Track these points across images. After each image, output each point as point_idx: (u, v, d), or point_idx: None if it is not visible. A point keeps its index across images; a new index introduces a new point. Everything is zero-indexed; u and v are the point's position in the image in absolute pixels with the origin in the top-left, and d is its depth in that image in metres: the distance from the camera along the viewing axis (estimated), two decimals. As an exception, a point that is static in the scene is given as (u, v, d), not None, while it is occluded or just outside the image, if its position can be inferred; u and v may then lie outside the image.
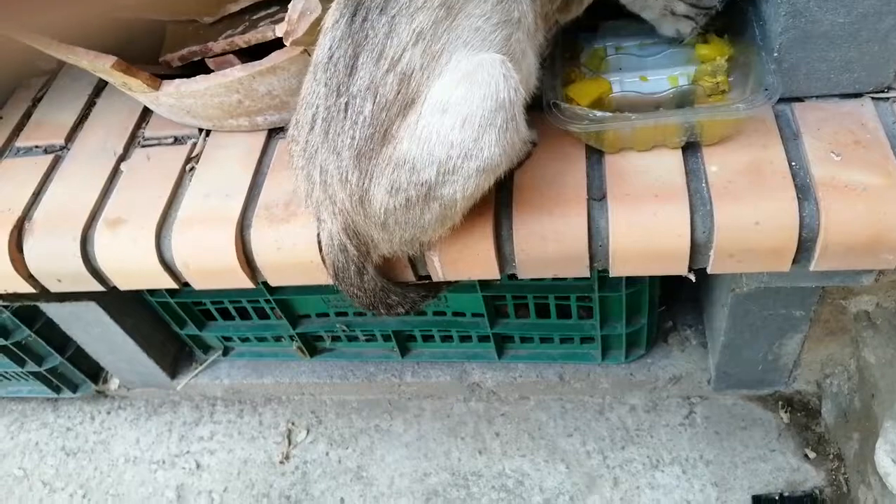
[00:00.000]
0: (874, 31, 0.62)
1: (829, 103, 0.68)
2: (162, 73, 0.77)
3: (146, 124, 0.89)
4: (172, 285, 0.78)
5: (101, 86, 0.95)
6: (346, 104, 0.58)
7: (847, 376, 0.94)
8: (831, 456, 0.96)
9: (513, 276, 0.73)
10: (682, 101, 0.70)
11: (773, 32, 0.65)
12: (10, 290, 0.83)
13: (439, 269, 0.71)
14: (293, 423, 1.15)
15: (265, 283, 0.79)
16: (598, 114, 0.66)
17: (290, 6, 0.65)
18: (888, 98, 0.67)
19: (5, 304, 0.93)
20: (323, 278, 0.71)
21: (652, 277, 0.90)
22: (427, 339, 1.09)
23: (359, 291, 0.69)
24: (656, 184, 0.66)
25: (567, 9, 0.68)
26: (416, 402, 1.13)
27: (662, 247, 0.65)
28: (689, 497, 0.97)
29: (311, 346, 1.12)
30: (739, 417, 1.02)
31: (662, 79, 0.74)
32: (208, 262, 0.75)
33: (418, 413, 1.12)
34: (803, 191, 0.63)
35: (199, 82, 0.74)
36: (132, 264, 0.77)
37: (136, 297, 1.03)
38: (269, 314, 1.06)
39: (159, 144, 0.86)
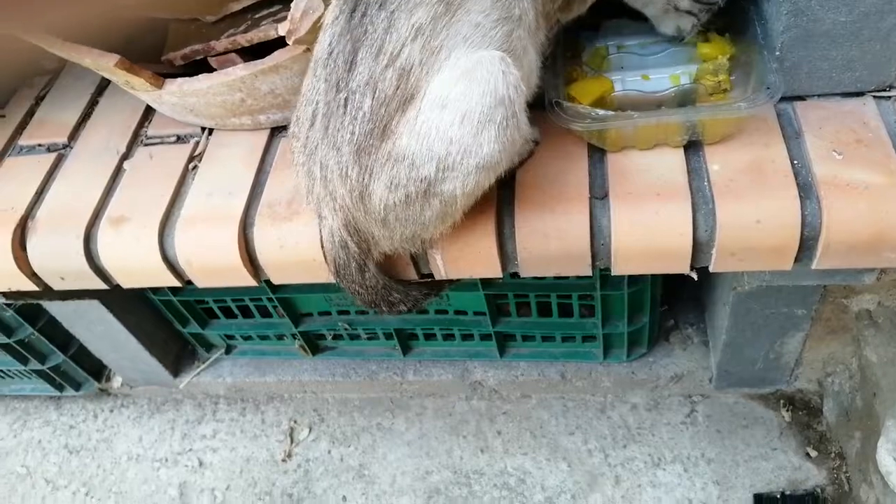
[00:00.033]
0: (876, 29, 0.62)
1: (831, 102, 0.68)
2: (165, 72, 0.78)
3: (149, 123, 0.89)
4: (175, 283, 0.79)
5: (103, 84, 0.95)
6: (346, 99, 0.58)
7: (849, 375, 0.94)
8: (833, 454, 0.96)
9: (515, 275, 0.73)
10: (684, 99, 0.70)
11: (774, 31, 0.65)
12: (14, 289, 0.83)
13: (441, 266, 0.72)
14: (295, 422, 1.15)
15: (268, 282, 0.79)
16: (601, 112, 0.66)
17: (292, 5, 0.65)
18: (890, 97, 0.67)
19: (8, 302, 0.94)
20: (325, 276, 0.72)
21: (654, 276, 0.90)
22: (429, 337, 1.09)
23: (360, 289, 0.69)
24: (658, 182, 0.66)
25: (569, 7, 0.68)
26: (418, 401, 1.13)
27: (664, 245, 0.65)
28: (690, 495, 0.97)
29: (314, 344, 1.13)
30: (741, 416, 1.02)
31: (664, 77, 0.74)
32: (211, 260, 0.75)
33: (420, 411, 1.12)
34: (805, 189, 0.63)
35: (202, 81, 0.74)
36: (135, 262, 0.77)
37: (139, 295, 1.04)
38: (272, 312, 1.06)
39: (162, 143, 0.86)
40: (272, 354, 1.16)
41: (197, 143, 0.84)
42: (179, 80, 0.75)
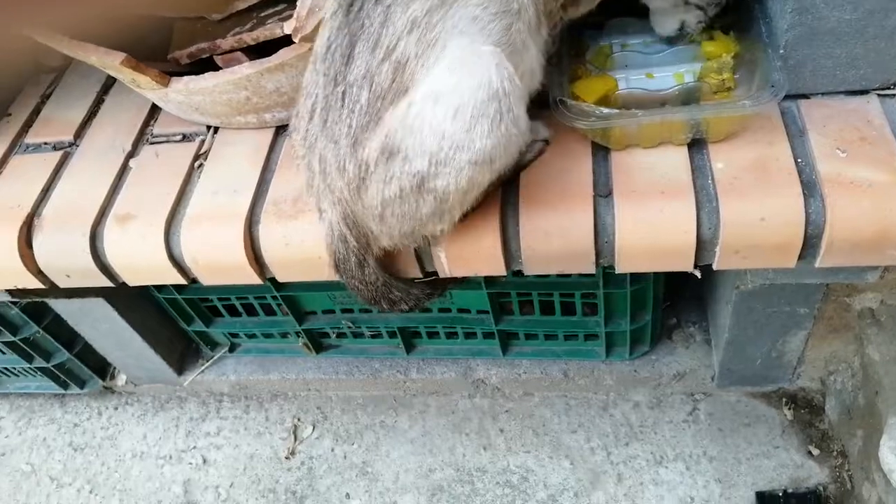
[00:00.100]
0: (880, 27, 0.62)
1: (835, 100, 0.68)
2: (170, 71, 0.78)
3: (154, 121, 0.89)
4: (181, 281, 0.79)
5: (109, 83, 0.96)
6: (343, 93, 0.58)
7: (851, 373, 0.94)
8: (835, 453, 0.96)
9: (518, 273, 0.73)
10: (688, 98, 0.70)
11: (779, 29, 0.65)
12: (20, 286, 0.83)
13: (445, 264, 0.72)
14: (299, 419, 1.15)
15: (272, 280, 0.80)
16: (605, 110, 0.66)
17: (298, 3, 0.66)
18: (894, 95, 0.68)
19: (14, 300, 0.94)
20: (330, 275, 0.72)
21: (656, 274, 0.90)
22: (432, 335, 1.09)
23: (360, 284, 0.69)
24: (662, 180, 0.67)
25: (576, 4, 0.68)
26: (421, 399, 1.13)
27: (668, 243, 0.66)
28: (692, 493, 0.97)
29: (317, 342, 1.13)
30: (743, 414, 1.02)
31: (668, 76, 0.74)
32: (217, 258, 0.75)
33: (423, 409, 1.12)
34: (809, 187, 0.63)
35: (208, 79, 0.74)
36: (141, 260, 0.77)
37: (144, 293, 1.04)
38: (276, 311, 1.06)
39: (168, 141, 0.86)
40: (276, 352, 1.16)
41: (202, 142, 0.84)
42: (185, 78, 0.76)
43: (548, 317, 1.00)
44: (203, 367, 1.18)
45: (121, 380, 1.23)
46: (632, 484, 0.99)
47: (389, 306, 0.72)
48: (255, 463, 1.12)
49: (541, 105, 0.69)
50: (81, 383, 1.22)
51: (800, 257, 0.65)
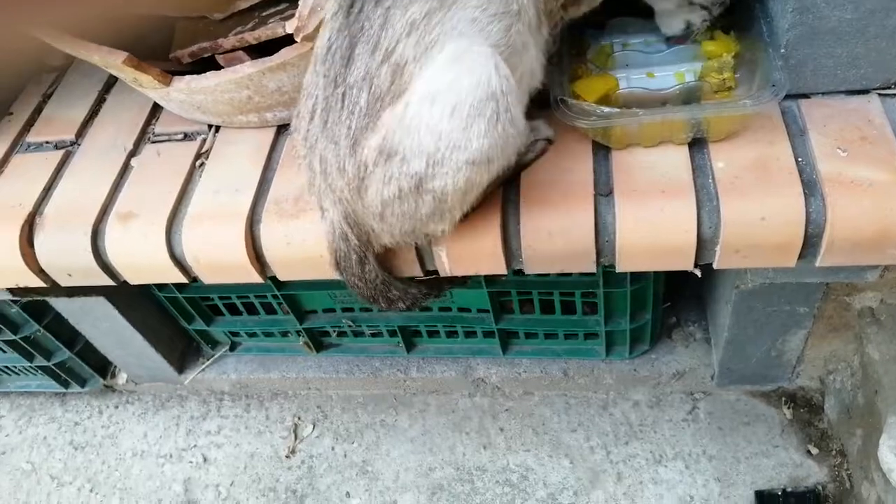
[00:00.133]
0: (881, 27, 0.62)
1: (836, 100, 0.69)
2: (172, 70, 0.78)
3: (156, 120, 0.89)
4: (182, 280, 0.79)
5: (111, 82, 0.96)
6: (343, 94, 0.58)
7: (850, 372, 0.94)
8: (834, 452, 0.97)
9: (518, 272, 0.73)
10: (689, 97, 0.71)
11: (780, 29, 0.65)
12: (21, 285, 0.83)
13: (446, 263, 0.72)
14: (299, 418, 1.16)
15: (273, 279, 0.80)
16: (605, 110, 0.66)
17: (300, 2, 0.66)
18: (895, 94, 0.68)
19: (15, 298, 0.94)
20: (331, 273, 0.72)
21: (656, 273, 0.90)
22: (432, 334, 1.09)
23: (359, 282, 0.69)
24: (663, 180, 0.67)
25: (577, 3, 0.68)
26: (421, 398, 1.14)
27: (669, 242, 0.66)
28: (692, 492, 0.97)
29: (318, 341, 1.13)
30: (742, 413, 1.02)
31: (669, 75, 0.74)
32: (218, 256, 0.75)
33: (423, 408, 1.13)
34: (809, 186, 0.63)
35: (210, 78, 0.74)
36: (143, 259, 0.78)
37: (145, 292, 1.04)
38: (277, 309, 1.06)
39: (169, 140, 0.86)
40: (276, 351, 1.17)
41: (204, 141, 0.85)
42: (187, 77, 0.76)
43: (548, 316, 1.00)
44: (204, 366, 1.18)
45: (121, 378, 1.23)
46: (631, 483, 1.00)
47: (387, 305, 0.73)
48: (255, 462, 1.12)
49: (542, 104, 0.69)
50: (82, 382, 1.22)
51: (800, 256, 0.65)
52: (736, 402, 1.03)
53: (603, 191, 0.68)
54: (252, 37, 0.77)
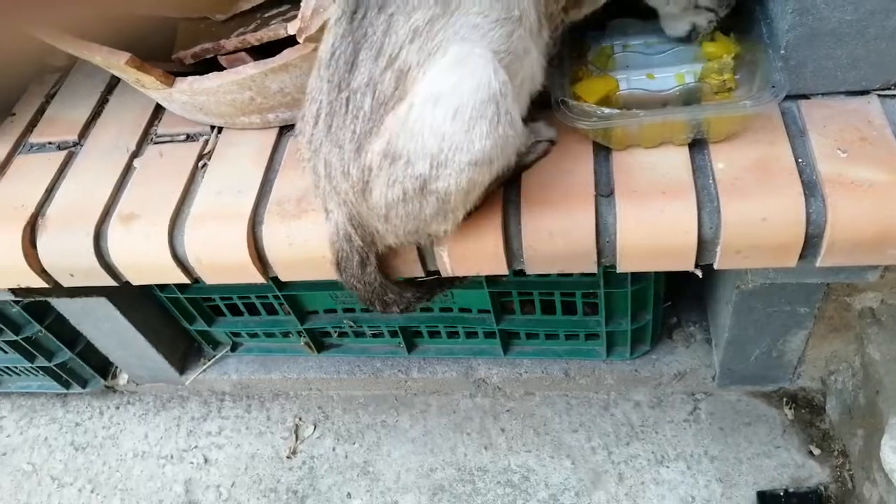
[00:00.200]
0: (881, 28, 0.62)
1: (836, 100, 0.69)
2: (174, 71, 0.78)
3: (159, 121, 0.90)
4: (184, 280, 0.79)
5: (113, 83, 0.96)
6: (348, 99, 0.59)
7: (851, 373, 0.94)
8: (836, 452, 0.97)
9: (519, 272, 0.73)
10: (689, 98, 0.71)
11: (779, 30, 0.65)
12: (24, 285, 0.83)
13: (448, 264, 0.72)
14: (300, 419, 1.16)
15: (275, 279, 0.80)
16: (606, 111, 0.66)
17: (302, 3, 0.66)
18: (895, 95, 0.68)
19: (16, 299, 0.94)
20: (333, 274, 0.72)
21: (657, 274, 0.91)
22: (433, 335, 1.09)
23: (359, 284, 0.70)
24: (663, 180, 0.67)
25: (578, 6, 0.68)
26: (422, 398, 1.14)
27: (670, 243, 0.66)
28: (693, 493, 0.97)
29: (319, 341, 1.13)
30: (744, 414, 1.02)
31: (669, 76, 0.74)
32: (220, 257, 0.76)
33: (424, 409, 1.13)
34: (810, 187, 0.63)
35: (212, 79, 0.74)
36: (145, 260, 0.78)
37: (146, 292, 1.04)
38: (278, 310, 1.07)
39: (172, 141, 0.87)
40: (278, 352, 1.17)
41: (206, 142, 0.85)
42: (189, 78, 0.76)
43: (549, 316, 1.00)
44: (205, 367, 1.18)
45: (122, 379, 1.23)
46: (633, 483, 1.00)
47: (383, 308, 0.74)
48: (256, 462, 1.12)
49: (543, 106, 0.69)
50: (83, 382, 1.22)
51: (801, 257, 0.65)
52: (737, 403, 1.03)
53: (604, 191, 0.68)
54: (254, 38, 0.77)
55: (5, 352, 1.14)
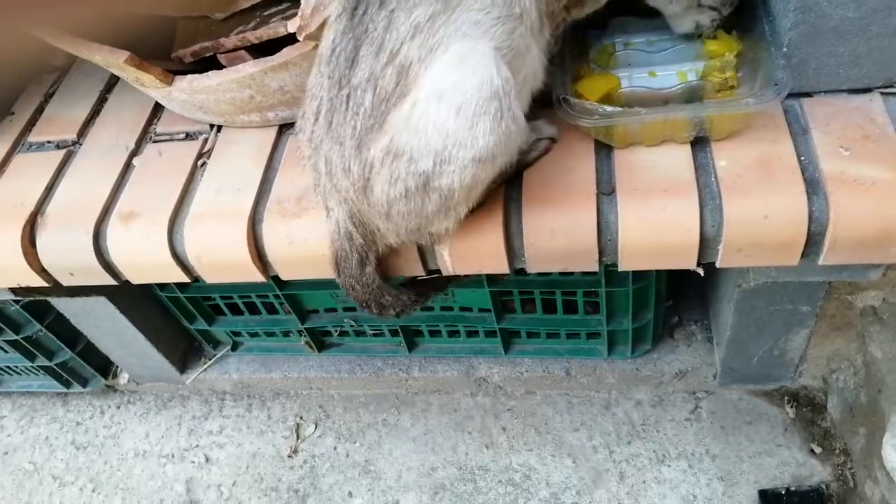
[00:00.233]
0: (884, 25, 0.62)
1: (838, 98, 0.69)
2: (174, 69, 0.78)
3: (158, 120, 0.89)
4: (184, 279, 0.79)
5: (112, 82, 0.96)
6: (348, 96, 0.59)
7: (853, 371, 0.94)
8: (837, 451, 0.96)
9: (520, 271, 0.73)
10: (691, 96, 0.70)
11: (782, 28, 0.65)
12: (23, 284, 0.83)
13: (449, 263, 0.72)
14: (301, 418, 1.16)
15: (275, 278, 0.80)
16: (608, 109, 0.66)
17: (302, 1, 0.66)
18: (897, 93, 0.68)
19: (16, 298, 0.94)
20: (331, 273, 0.72)
21: (659, 272, 0.90)
22: (434, 334, 1.09)
23: (357, 284, 0.70)
24: (665, 178, 0.67)
25: (581, 5, 0.68)
26: (423, 397, 1.14)
27: (671, 241, 0.66)
28: (695, 491, 0.97)
29: (320, 340, 1.13)
30: (745, 412, 1.02)
31: (671, 74, 0.74)
32: (220, 256, 0.75)
33: (425, 408, 1.13)
34: (812, 185, 0.63)
35: (212, 78, 0.74)
36: (145, 258, 0.78)
37: (146, 291, 1.04)
38: (278, 309, 1.06)
39: (171, 140, 0.86)
40: (278, 351, 1.17)
41: (206, 140, 0.85)
42: (189, 76, 0.76)
43: (550, 315, 1.00)
44: (205, 366, 1.18)
45: (123, 378, 1.23)
46: (634, 482, 0.99)
47: (379, 310, 0.73)
48: (257, 461, 1.12)
49: (544, 104, 0.69)
50: (84, 382, 1.22)
51: (803, 255, 0.65)
52: (738, 402, 1.03)
53: (605, 189, 0.68)
54: (254, 36, 0.77)
55: (6, 351, 1.14)
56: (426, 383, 1.12)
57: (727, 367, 0.99)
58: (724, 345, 0.96)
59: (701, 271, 0.71)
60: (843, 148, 0.65)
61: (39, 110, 0.95)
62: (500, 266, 0.71)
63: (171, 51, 0.84)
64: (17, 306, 1.03)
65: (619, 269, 0.70)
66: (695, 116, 0.66)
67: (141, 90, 0.82)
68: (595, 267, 0.70)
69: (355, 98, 0.59)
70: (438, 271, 0.75)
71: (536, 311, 1.00)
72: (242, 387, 1.19)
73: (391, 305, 0.74)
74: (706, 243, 0.66)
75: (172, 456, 1.16)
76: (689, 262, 0.68)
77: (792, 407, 1.01)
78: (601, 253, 0.68)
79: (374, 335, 1.11)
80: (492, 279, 0.92)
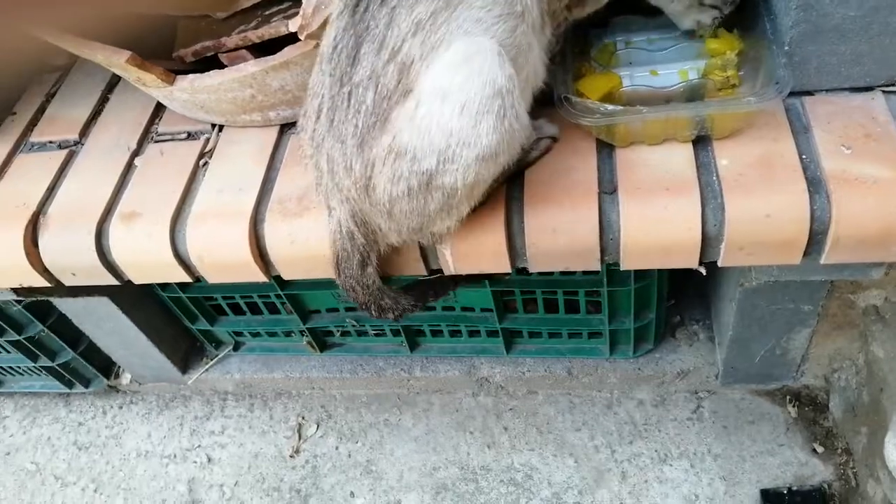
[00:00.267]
0: (885, 24, 0.62)
1: (840, 97, 0.69)
2: (175, 69, 0.78)
3: (159, 120, 0.89)
4: (186, 279, 0.79)
5: (114, 81, 0.96)
6: (350, 94, 0.59)
7: (855, 370, 0.94)
8: (839, 450, 0.96)
9: (522, 271, 0.73)
10: (693, 95, 0.70)
11: (783, 26, 0.65)
12: (26, 285, 0.83)
13: (450, 262, 0.72)
14: (303, 418, 1.16)
15: (276, 278, 0.80)
16: (609, 107, 0.66)
17: (304, 0, 0.66)
18: (899, 91, 0.68)
19: (19, 298, 0.94)
20: (332, 274, 0.72)
21: (660, 272, 0.90)
22: (436, 333, 1.09)
23: (357, 286, 0.70)
24: (667, 177, 0.67)
25: (581, 4, 0.68)
26: (424, 397, 1.14)
27: (673, 240, 0.66)
28: (697, 491, 0.97)
29: (321, 340, 1.13)
30: (747, 412, 1.02)
31: (672, 73, 0.74)
32: (222, 255, 0.75)
33: (427, 407, 1.13)
34: (814, 184, 0.63)
35: (213, 77, 0.74)
36: (147, 258, 0.78)
37: (148, 292, 1.04)
38: (280, 309, 1.06)
39: (173, 140, 0.87)
40: (280, 351, 1.17)
41: (207, 140, 0.85)
42: (190, 76, 0.76)
43: (552, 315, 1.00)
44: (207, 366, 1.18)
45: (125, 378, 1.23)
46: (636, 482, 0.99)
47: (378, 313, 0.74)
48: (259, 461, 1.12)
49: (546, 103, 0.69)
50: (86, 382, 1.22)
51: (805, 254, 0.65)
52: (740, 401, 1.03)
53: (607, 188, 0.68)
54: (255, 35, 0.77)
55: (8, 351, 1.14)
56: (428, 383, 1.12)
57: (729, 367, 0.99)
58: (725, 344, 0.96)
59: (703, 270, 0.71)
60: (844, 146, 0.65)
61: (41, 110, 0.95)
62: (502, 265, 0.71)
63: (173, 50, 0.84)
64: (20, 307, 1.03)
65: (621, 269, 0.70)
66: (696, 115, 0.66)
67: (142, 90, 0.82)
68: (597, 266, 0.70)
69: (357, 96, 0.58)
70: (440, 271, 0.75)
71: (538, 311, 1.00)
72: (244, 387, 1.19)
73: (391, 308, 0.74)
74: (708, 242, 0.66)
75: (174, 456, 1.16)
76: (690, 261, 0.68)
77: (794, 406, 1.01)
78: (603, 252, 0.68)
79: (376, 335, 1.11)
80: (493, 279, 0.92)
